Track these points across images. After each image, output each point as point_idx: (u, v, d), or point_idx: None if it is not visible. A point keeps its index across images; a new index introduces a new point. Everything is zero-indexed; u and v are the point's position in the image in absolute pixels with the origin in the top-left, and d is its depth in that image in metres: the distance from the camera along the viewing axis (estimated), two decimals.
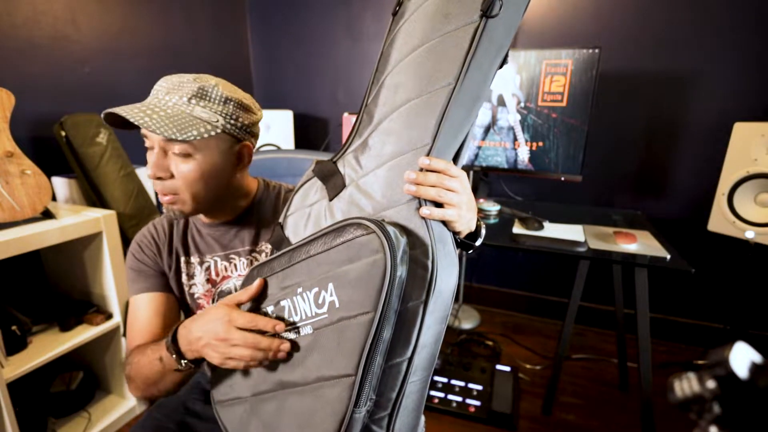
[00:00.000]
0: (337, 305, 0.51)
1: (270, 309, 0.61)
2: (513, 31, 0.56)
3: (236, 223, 0.79)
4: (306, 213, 0.65)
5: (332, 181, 0.62)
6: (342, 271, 0.51)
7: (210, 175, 0.67)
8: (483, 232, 0.66)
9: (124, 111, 0.60)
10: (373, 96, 0.59)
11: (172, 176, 0.65)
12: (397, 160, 0.56)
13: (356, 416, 0.50)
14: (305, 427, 0.54)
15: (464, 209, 0.57)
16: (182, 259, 0.79)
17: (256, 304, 0.63)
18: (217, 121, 0.65)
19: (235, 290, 0.78)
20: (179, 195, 0.67)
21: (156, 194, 1.64)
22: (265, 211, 0.81)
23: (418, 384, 0.57)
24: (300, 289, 0.56)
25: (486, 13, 0.51)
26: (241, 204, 0.79)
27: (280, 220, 0.69)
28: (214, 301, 0.78)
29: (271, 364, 0.60)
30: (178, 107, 0.63)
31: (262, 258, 0.78)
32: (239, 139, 0.70)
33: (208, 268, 0.78)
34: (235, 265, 0.78)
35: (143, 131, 0.64)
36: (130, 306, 0.77)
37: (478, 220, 0.64)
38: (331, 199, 0.61)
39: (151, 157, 0.65)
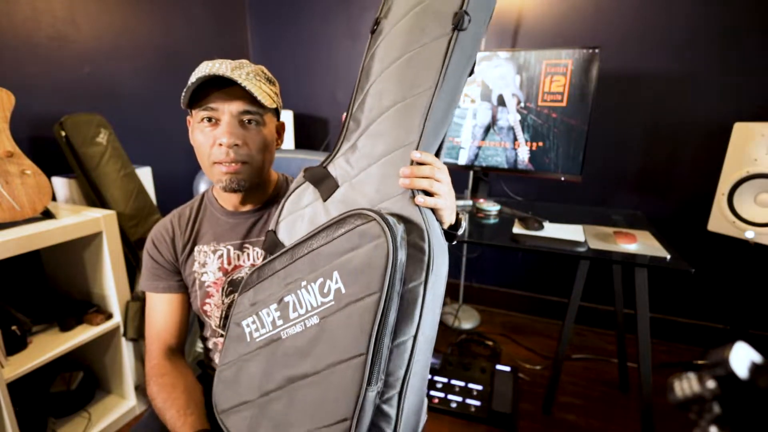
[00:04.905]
0: (343, 291, 0.55)
1: (273, 307, 0.62)
2: (479, 44, 0.64)
3: (256, 213, 0.81)
4: (300, 215, 0.68)
5: (325, 183, 0.66)
6: (346, 258, 0.55)
7: (269, 147, 0.75)
8: (464, 224, 0.70)
9: (234, 76, 0.66)
10: (358, 104, 0.65)
11: (245, 144, 0.70)
12: (389, 157, 0.61)
13: (369, 395, 0.52)
14: (319, 415, 0.55)
15: (449, 199, 0.62)
16: (196, 247, 0.80)
17: (256, 308, 0.64)
18: (273, 97, 0.73)
19: None
20: (248, 163, 0.71)
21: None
22: None
23: (422, 363, 0.60)
24: (304, 282, 0.59)
25: (457, 27, 0.58)
26: (266, 192, 0.82)
27: (272, 226, 0.71)
28: (223, 290, 0.79)
29: (278, 361, 0.61)
30: (250, 80, 0.68)
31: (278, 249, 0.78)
32: (278, 117, 0.78)
33: (221, 257, 0.79)
34: (248, 255, 0.79)
35: (212, 104, 0.68)
36: (147, 298, 0.82)
37: (458, 213, 0.68)
38: (325, 200, 0.65)
39: (215, 129, 0.69)
